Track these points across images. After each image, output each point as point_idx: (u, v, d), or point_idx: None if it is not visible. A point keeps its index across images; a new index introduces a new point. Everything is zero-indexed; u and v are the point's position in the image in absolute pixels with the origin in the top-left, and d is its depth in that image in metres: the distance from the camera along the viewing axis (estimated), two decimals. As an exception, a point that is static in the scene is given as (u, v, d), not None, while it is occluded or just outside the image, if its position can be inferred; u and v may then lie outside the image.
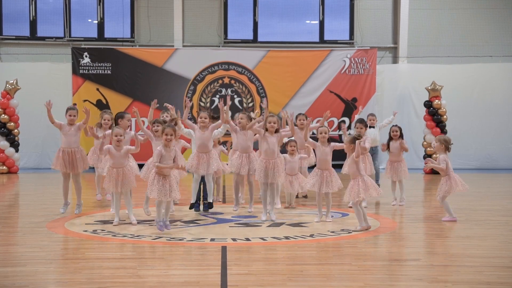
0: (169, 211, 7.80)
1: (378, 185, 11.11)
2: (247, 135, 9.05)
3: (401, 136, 10.22)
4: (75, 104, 9.57)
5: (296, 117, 10.34)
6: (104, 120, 9.87)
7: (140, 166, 8.70)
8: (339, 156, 10.03)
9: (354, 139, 7.86)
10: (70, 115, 8.92)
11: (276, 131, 8.62)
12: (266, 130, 8.63)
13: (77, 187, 8.99)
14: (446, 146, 8.74)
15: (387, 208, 9.93)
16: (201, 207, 9.21)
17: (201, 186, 9.24)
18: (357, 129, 10.16)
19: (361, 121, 10.36)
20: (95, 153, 10.14)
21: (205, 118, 8.78)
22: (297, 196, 10.68)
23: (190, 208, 8.88)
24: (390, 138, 10.27)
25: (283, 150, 9.04)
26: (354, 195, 7.72)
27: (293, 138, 9.17)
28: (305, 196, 10.76)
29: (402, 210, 9.75)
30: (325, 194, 8.49)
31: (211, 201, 8.95)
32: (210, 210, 9.10)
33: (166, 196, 7.48)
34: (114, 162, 8.08)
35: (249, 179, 9.21)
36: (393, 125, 10.42)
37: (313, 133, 10.57)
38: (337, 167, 8.91)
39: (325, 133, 8.51)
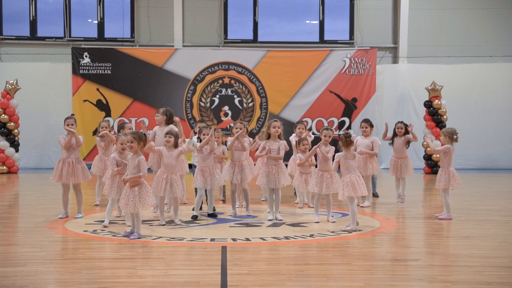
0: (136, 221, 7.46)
1: (376, 194, 11.15)
2: (239, 144, 8.96)
3: (406, 133, 10.17)
4: (72, 115, 9.37)
5: (295, 126, 10.25)
6: (102, 128, 9.85)
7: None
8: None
9: (340, 139, 7.98)
10: (68, 125, 8.69)
11: (279, 136, 8.62)
12: (269, 136, 8.61)
13: (78, 198, 8.83)
14: (450, 136, 8.77)
15: (387, 208, 9.93)
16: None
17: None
18: (362, 128, 10.20)
19: (366, 120, 10.35)
20: (101, 160, 10.00)
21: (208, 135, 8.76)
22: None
23: (192, 218, 8.82)
24: (395, 134, 10.24)
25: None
26: (341, 192, 7.82)
27: (305, 137, 9.30)
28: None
29: (402, 210, 9.76)
30: (325, 195, 8.51)
31: (212, 211, 8.97)
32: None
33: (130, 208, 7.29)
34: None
35: (243, 187, 9.11)
36: (398, 122, 10.36)
37: (313, 133, 10.56)
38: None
39: (329, 136, 8.55)
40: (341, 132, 8.54)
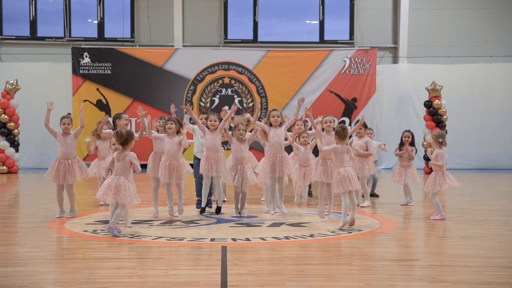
0: (123, 214, 7.65)
1: (374, 194, 11.16)
2: (241, 146, 8.81)
3: (412, 143, 10.16)
4: (69, 114, 9.35)
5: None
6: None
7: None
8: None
9: (336, 131, 8.00)
10: (64, 124, 8.70)
11: (280, 124, 8.65)
12: (271, 125, 8.65)
13: (71, 196, 8.78)
14: (436, 140, 8.75)
15: (387, 208, 9.93)
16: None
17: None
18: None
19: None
20: (98, 166, 10.02)
21: (215, 121, 8.77)
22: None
23: (201, 213, 8.86)
24: (402, 143, 10.23)
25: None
26: (337, 186, 7.81)
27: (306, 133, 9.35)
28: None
29: (402, 210, 9.76)
30: (327, 186, 8.53)
31: (220, 205, 8.92)
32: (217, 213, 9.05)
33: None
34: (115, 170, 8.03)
35: (243, 190, 8.96)
36: (406, 131, 10.33)
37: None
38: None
39: (330, 122, 8.59)
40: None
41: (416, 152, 10.24)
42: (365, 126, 10.30)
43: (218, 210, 8.87)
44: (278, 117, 8.62)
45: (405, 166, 10.14)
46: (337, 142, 7.99)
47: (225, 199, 10.55)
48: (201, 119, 9.46)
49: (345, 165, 7.89)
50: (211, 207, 9.27)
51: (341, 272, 5.75)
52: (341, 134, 7.93)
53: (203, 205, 8.85)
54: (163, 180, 8.57)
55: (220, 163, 8.69)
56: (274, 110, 8.77)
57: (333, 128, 8.63)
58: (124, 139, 7.45)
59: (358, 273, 5.74)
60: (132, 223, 8.13)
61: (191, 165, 9.77)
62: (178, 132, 8.58)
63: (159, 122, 9.30)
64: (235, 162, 8.88)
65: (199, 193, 9.54)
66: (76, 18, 18.47)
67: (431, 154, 8.78)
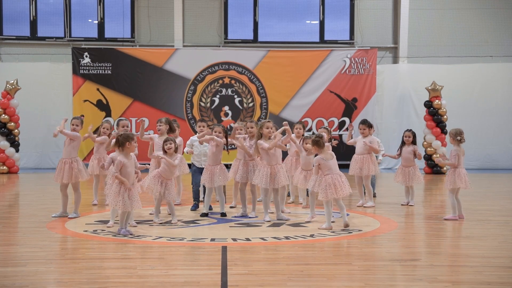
0: (131, 218, 7.83)
1: (374, 194, 11.18)
2: (250, 143, 8.90)
3: (414, 142, 10.12)
4: (82, 116, 9.38)
5: (294, 126, 10.25)
6: (103, 128, 9.95)
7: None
8: (344, 156, 10.05)
9: (313, 142, 7.97)
10: (73, 125, 8.76)
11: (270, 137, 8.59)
12: (260, 136, 8.57)
13: (77, 197, 8.79)
14: (453, 138, 8.76)
15: (387, 208, 9.94)
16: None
17: (202, 188, 9.48)
18: (360, 130, 10.21)
19: (364, 121, 10.34)
20: (94, 160, 10.13)
21: (219, 133, 8.82)
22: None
23: (201, 215, 8.91)
24: (403, 143, 10.20)
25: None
26: (323, 194, 7.78)
27: (308, 135, 9.33)
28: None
29: (402, 210, 9.76)
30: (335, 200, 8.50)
31: (224, 211, 9.00)
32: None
33: (129, 207, 7.42)
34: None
35: (252, 189, 9.02)
36: (406, 130, 10.28)
37: (313, 133, 10.55)
38: (344, 167, 8.91)
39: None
40: (308, 134, 8.59)
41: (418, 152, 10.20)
42: (369, 126, 10.26)
43: (223, 215, 8.91)
44: (271, 128, 8.60)
45: (408, 166, 10.11)
46: (318, 152, 7.96)
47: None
48: (200, 126, 9.56)
49: (332, 172, 7.85)
50: (211, 209, 9.28)
51: (341, 272, 5.75)
52: (320, 143, 7.92)
53: (205, 211, 8.96)
54: (154, 195, 8.38)
55: (221, 175, 8.83)
56: (268, 121, 8.68)
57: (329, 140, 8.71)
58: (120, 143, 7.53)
59: (358, 273, 5.74)
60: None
61: (189, 165, 9.82)
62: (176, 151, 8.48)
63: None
64: (243, 158, 8.99)
65: (196, 198, 9.64)
66: (76, 18, 18.46)
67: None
